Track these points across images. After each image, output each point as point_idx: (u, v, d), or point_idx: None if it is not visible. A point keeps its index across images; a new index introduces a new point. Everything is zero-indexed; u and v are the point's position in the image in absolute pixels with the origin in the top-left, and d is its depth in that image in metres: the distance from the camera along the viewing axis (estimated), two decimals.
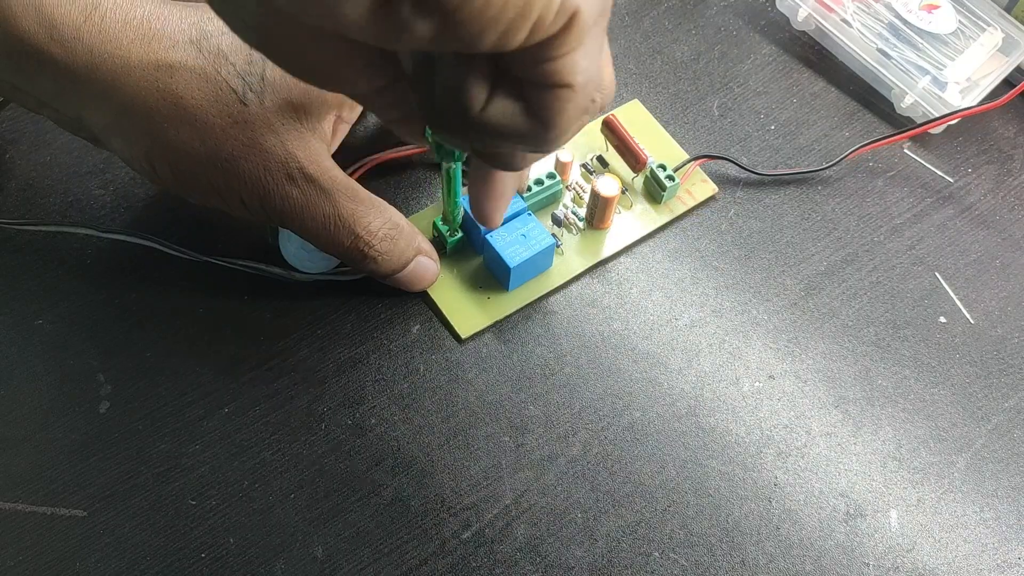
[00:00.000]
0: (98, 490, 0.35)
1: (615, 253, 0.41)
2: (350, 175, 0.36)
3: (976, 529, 0.36)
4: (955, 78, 0.45)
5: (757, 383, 0.39)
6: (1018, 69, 0.47)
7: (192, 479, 0.36)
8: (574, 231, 0.41)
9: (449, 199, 0.37)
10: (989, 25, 0.47)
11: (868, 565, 0.35)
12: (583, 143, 0.44)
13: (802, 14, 0.48)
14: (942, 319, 0.41)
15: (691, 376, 0.39)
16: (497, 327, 0.39)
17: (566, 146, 0.43)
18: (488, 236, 0.39)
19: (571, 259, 0.41)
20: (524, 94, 0.23)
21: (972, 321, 0.41)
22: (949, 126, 0.45)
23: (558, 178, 0.41)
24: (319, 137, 0.35)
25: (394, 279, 0.38)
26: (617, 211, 0.42)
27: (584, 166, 0.43)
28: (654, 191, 0.42)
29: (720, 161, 0.44)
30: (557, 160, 0.42)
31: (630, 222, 0.42)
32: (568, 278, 0.40)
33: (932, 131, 0.45)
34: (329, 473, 0.36)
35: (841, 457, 0.38)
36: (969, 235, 0.43)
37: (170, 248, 0.39)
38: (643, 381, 0.39)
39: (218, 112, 0.33)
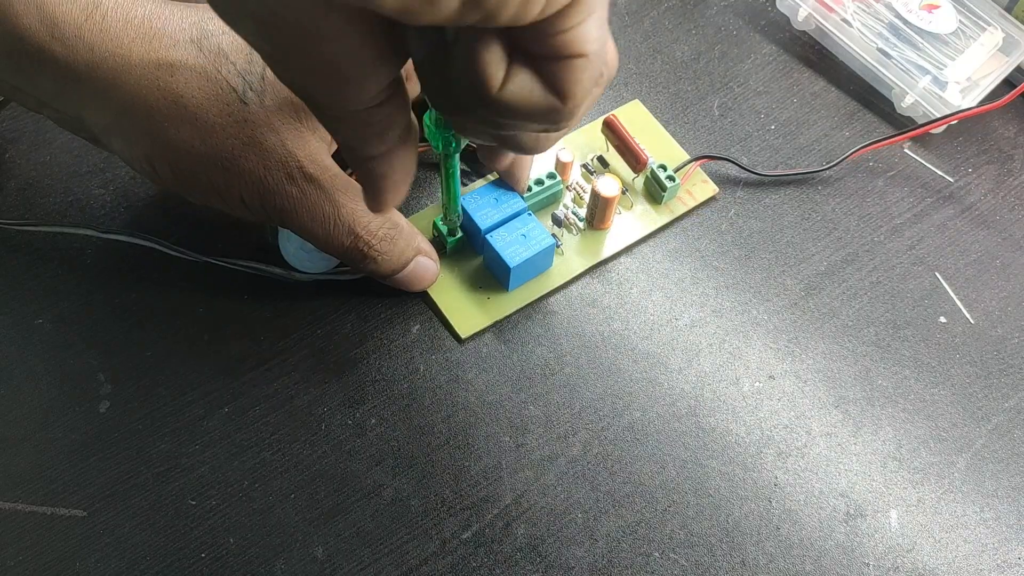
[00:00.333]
0: (98, 490, 0.35)
1: (615, 253, 0.41)
2: (350, 175, 0.36)
3: (976, 529, 0.36)
4: (955, 78, 0.45)
5: (757, 383, 0.39)
6: (1018, 69, 0.47)
7: (192, 479, 0.36)
8: (574, 231, 0.41)
9: (448, 195, 0.37)
10: (989, 25, 0.47)
11: (868, 565, 0.35)
12: (583, 143, 0.44)
13: (802, 14, 0.48)
14: (942, 319, 0.41)
15: (691, 376, 0.39)
16: (497, 327, 0.39)
17: (566, 146, 0.43)
18: (488, 236, 0.39)
19: (571, 259, 0.41)
20: (539, 68, 0.24)
21: (972, 321, 0.41)
22: (949, 126, 0.45)
23: (558, 178, 0.41)
24: (319, 136, 0.35)
25: (394, 279, 0.38)
26: (617, 211, 0.42)
27: (584, 166, 0.43)
28: (654, 191, 0.42)
29: (720, 161, 0.44)
30: (557, 160, 0.42)
31: (630, 222, 0.42)
32: (568, 278, 0.40)
33: (932, 131, 0.45)
34: (329, 473, 0.36)
35: (841, 457, 0.37)
36: (969, 235, 0.43)
37: (170, 248, 0.39)
38: (643, 381, 0.39)
39: (218, 111, 0.33)
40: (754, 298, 0.41)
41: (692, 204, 0.43)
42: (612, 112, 0.44)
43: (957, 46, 0.46)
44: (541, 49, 0.23)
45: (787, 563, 0.35)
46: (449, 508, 0.35)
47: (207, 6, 0.31)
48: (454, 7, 0.20)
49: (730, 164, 0.44)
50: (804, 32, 0.49)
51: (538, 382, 0.38)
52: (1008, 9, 0.47)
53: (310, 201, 0.34)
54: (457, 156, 0.35)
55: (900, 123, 0.46)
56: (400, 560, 0.34)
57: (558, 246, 0.41)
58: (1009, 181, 0.45)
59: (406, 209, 0.42)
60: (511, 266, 0.38)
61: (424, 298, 0.40)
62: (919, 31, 0.46)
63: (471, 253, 0.41)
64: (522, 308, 0.40)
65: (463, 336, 0.39)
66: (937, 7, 0.47)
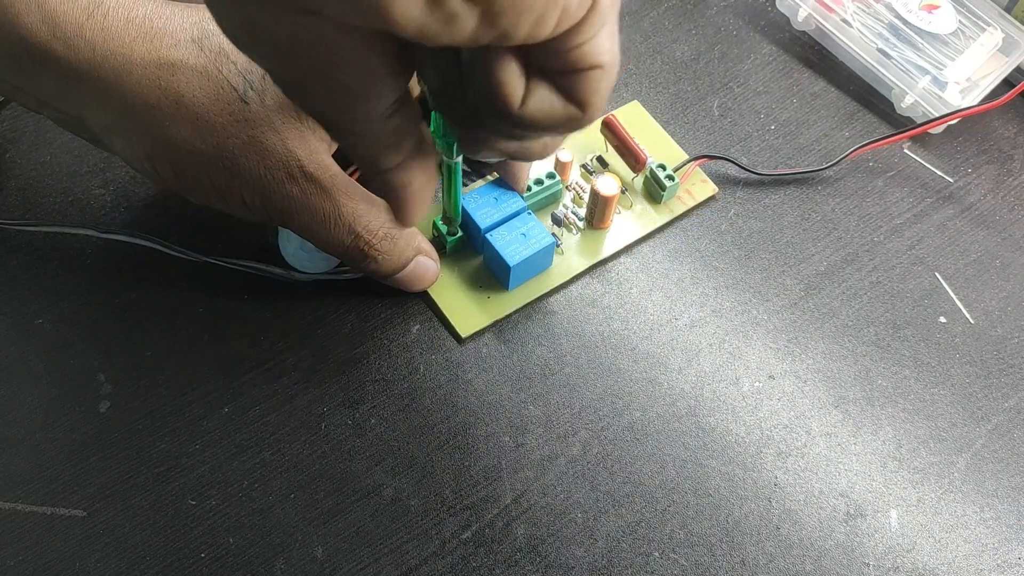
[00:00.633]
0: (98, 490, 0.35)
1: (615, 253, 0.41)
2: (350, 174, 0.36)
3: (976, 529, 0.36)
4: (955, 78, 0.45)
5: (757, 383, 0.39)
6: (1018, 69, 0.47)
7: (192, 479, 0.36)
8: (574, 231, 0.41)
9: (449, 196, 0.37)
10: (989, 25, 0.47)
11: (868, 565, 0.35)
12: (583, 143, 0.44)
13: (802, 14, 0.48)
14: (942, 319, 0.41)
15: (691, 376, 0.39)
16: (497, 327, 0.39)
17: (566, 146, 0.43)
18: (488, 235, 0.39)
19: (571, 259, 0.41)
20: (557, 81, 0.24)
21: (972, 321, 0.41)
22: (949, 126, 0.45)
23: (558, 178, 0.41)
24: (319, 136, 0.35)
25: (394, 279, 0.38)
26: (617, 211, 0.42)
27: (584, 166, 0.43)
28: (654, 191, 0.42)
29: (720, 161, 0.44)
30: (557, 160, 0.42)
31: (630, 222, 0.42)
32: (568, 278, 0.40)
33: (932, 131, 0.45)
34: (329, 473, 0.36)
35: (841, 457, 0.38)
36: (969, 235, 0.43)
37: (170, 248, 0.39)
38: (643, 381, 0.39)
39: (219, 110, 0.33)
40: (754, 298, 0.41)
41: (692, 204, 0.43)
42: (612, 112, 0.44)
43: (957, 46, 0.46)
44: (557, 64, 0.23)
45: (787, 563, 0.35)
46: (449, 508, 0.35)
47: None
48: (471, 28, 0.20)
49: (730, 164, 0.44)
50: (804, 32, 0.49)
51: (538, 382, 0.38)
52: (1008, 9, 0.47)
53: (311, 200, 0.34)
54: (460, 160, 0.35)
55: (900, 123, 0.46)
56: (400, 560, 0.34)
57: (558, 245, 0.41)
58: (1009, 181, 0.45)
59: None
60: (511, 264, 0.38)
61: (424, 298, 0.40)
62: (919, 31, 0.47)
63: (471, 253, 0.41)
64: (522, 308, 0.40)
65: (463, 336, 0.39)
66: (937, 7, 0.47)
